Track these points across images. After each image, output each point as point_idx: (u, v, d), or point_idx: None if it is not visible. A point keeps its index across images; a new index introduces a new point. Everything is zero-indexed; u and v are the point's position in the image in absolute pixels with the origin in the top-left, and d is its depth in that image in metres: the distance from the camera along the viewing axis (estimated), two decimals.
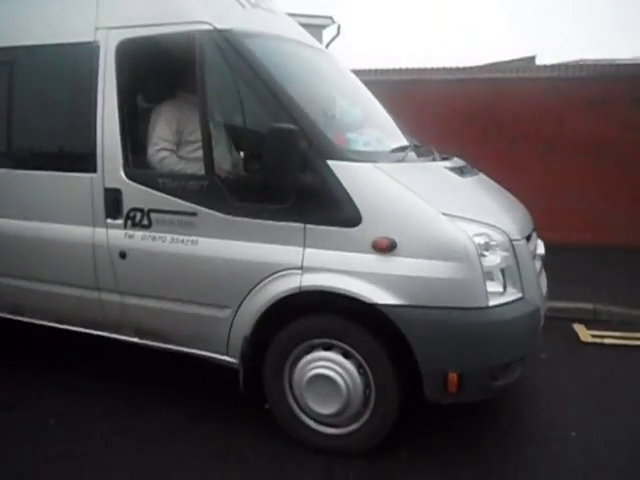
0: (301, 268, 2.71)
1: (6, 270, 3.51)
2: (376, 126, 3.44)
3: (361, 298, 2.60)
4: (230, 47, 2.78)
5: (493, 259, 2.62)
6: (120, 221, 3.07)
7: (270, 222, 2.75)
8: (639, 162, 6.92)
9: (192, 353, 3.15)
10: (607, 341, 4.43)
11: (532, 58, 9.89)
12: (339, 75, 3.74)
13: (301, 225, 2.70)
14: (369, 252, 2.60)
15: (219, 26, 2.82)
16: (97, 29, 3.06)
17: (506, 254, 2.68)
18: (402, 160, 2.92)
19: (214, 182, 2.83)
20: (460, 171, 3.12)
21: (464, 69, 7.91)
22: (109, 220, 3.10)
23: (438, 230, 2.56)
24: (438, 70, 7.71)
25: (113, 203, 3.07)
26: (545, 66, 7.51)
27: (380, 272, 2.58)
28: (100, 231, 3.14)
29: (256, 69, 2.75)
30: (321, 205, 2.66)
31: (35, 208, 3.32)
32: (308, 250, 2.70)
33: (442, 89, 7.32)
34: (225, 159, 3.00)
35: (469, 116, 7.21)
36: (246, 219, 2.79)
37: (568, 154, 7.09)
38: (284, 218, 2.72)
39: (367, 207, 2.59)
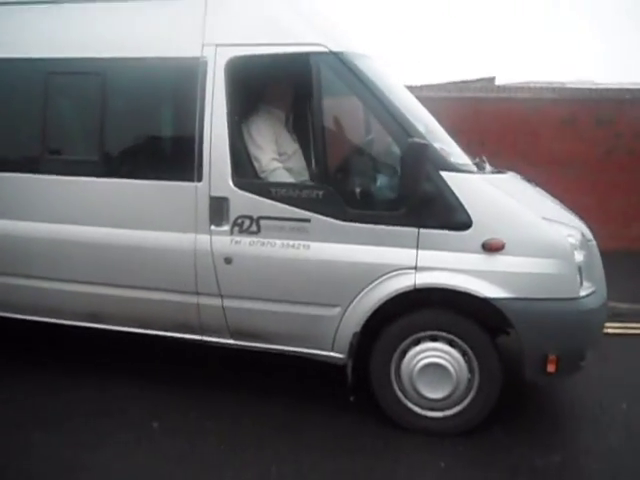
0: (415, 268, 3.01)
1: (84, 277, 3.52)
2: (441, 139, 3.75)
3: (474, 293, 2.94)
4: (345, 68, 3.05)
5: (578, 256, 3.05)
6: (226, 228, 3.22)
7: (385, 227, 3.03)
8: (603, 173, 7.81)
9: (293, 351, 3.34)
10: (631, 331, 5.00)
11: (492, 79, 10.68)
12: (400, 86, 3.99)
13: (415, 229, 3.00)
14: (479, 252, 2.95)
15: (334, 48, 3.08)
16: (204, 45, 3.21)
17: (584, 252, 3.12)
18: (489, 172, 3.31)
19: (328, 190, 3.07)
20: (529, 181, 3.57)
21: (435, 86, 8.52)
22: (213, 227, 3.24)
23: (541, 232, 2.96)
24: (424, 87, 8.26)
25: (218, 211, 3.22)
26: (522, 87, 8.27)
27: (490, 269, 2.94)
28: (203, 237, 3.26)
29: (371, 88, 3.04)
30: (435, 211, 2.98)
31: (131, 216, 3.38)
32: (421, 252, 3.00)
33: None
34: (336, 169, 3.24)
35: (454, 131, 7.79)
36: (360, 224, 3.05)
37: (541, 167, 7.86)
38: (399, 223, 3.01)
39: (477, 212, 2.94)
